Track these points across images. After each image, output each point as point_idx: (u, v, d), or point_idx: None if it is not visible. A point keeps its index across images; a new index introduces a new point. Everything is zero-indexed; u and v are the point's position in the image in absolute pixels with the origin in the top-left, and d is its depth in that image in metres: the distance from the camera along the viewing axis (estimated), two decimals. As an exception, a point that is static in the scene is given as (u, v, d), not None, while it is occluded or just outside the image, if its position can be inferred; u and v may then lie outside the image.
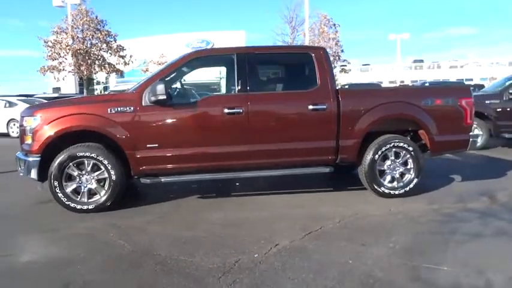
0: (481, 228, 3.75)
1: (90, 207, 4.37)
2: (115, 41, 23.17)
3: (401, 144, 4.78)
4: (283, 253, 3.21)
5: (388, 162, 4.84)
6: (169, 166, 4.52)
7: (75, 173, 4.36)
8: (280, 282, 2.71)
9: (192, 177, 4.65)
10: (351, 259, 3.05)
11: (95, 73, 22.94)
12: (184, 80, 5.08)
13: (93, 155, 4.32)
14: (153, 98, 4.24)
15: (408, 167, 4.85)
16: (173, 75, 4.64)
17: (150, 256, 3.23)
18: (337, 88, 4.75)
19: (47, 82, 23.19)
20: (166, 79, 4.58)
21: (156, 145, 4.42)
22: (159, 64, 27.99)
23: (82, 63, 21.58)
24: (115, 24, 61.37)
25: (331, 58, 25.97)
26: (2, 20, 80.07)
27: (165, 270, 2.98)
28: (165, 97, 4.17)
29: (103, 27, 22.60)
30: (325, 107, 4.60)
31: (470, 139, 5.00)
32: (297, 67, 4.92)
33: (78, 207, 4.36)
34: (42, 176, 4.38)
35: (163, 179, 4.52)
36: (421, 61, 62.86)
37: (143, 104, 4.35)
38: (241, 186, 5.54)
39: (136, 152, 4.39)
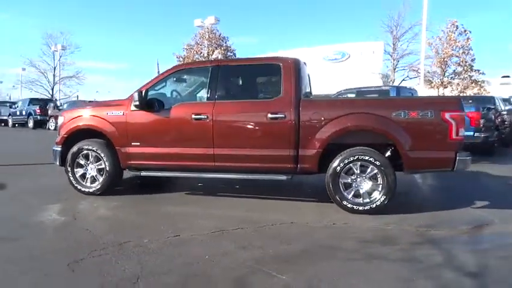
0: (392, 253, 3.38)
1: (91, 190, 5.42)
2: (234, 55, 25.61)
3: (366, 157, 4.49)
4: (167, 243, 3.56)
5: (353, 176, 4.60)
6: (149, 162, 5.26)
7: (83, 162, 5.49)
8: (124, 260, 3.11)
9: (165, 174, 5.31)
10: (209, 257, 3.21)
11: None
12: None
13: (94, 148, 5.38)
14: (133, 104, 5.07)
15: (378, 182, 4.51)
16: (160, 85, 5.38)
17: (77, 226, 4.04)
18: (301, 98, 4.76)
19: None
20: (156, 88, 5.38)
21: (138, 143, 5.23)
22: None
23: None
24: (256, 39, 66.18)
25: (460, 68, 23.24)
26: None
27: (73, 236, 3.72)
28: (137, 103, 4.96)
29: (225, 43, 25.30)
30: (283, 116, 4.69)
31: (458, 157, 4.34)
32: (265, 77, 5.10)
33: (83, 189, 5.46)
34: (64, 163, 5.63)
35: (142, 173, 5.31)
36: None
37: (131, 109, 5.22)
38: (237, 188, 5.90)
39: (123, 148, 5.27)
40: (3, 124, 27.34)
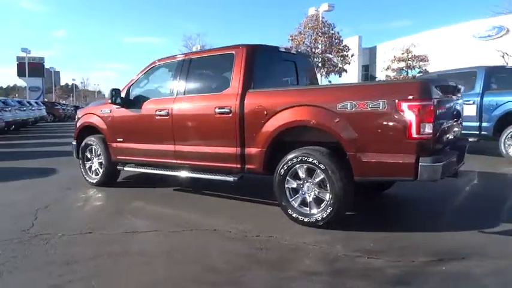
0: (259, 280, 2.73)
1: (94, 182, 5.90)
2: (340, 42, 24.07)
3: (310, 159, 3.72)
4: (70, 239, 3.60)
5: (299, 181, 3.87)
6: (131, 158, 5.43)
7: (89, 156, 6.01)
8: (7, 252, 3.26)
9: (141, 170, 5.39)
10: (70, 258, 3.14)
11: (321, 74, 24.61)
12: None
13: (94, 143, 5.84)
14: (109, 101, 5.32)
15: (327, 190, 3.70)
16: (143, 81, 5.46)
17: (34, 214, 4.36)
18: (248, 90, 4.20)
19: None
20: (140, 85, 5.49)
21: (122, 139, 5.44)
22: (402, 61, 26.64)
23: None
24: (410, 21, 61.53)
25: None
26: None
27: (12, 224, 4.07)
28: (110, 101, 5.17)
29: (332, 29, 23.95)
30: (228, 110, 4.24)
31: (421, 163, 3.21)
32: (221, 69, 4.61)
33: (89, 180, 5.98)
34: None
35: (125, 168, 5.52)
36: None
37: (115, 107, 5.46)
38: (233, 189, 5.60)
39: (112, 143, 5.57)
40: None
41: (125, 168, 5.54)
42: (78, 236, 3.72)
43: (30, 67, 56.61)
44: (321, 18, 24.43)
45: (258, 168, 4.15)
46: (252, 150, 4.15)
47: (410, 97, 3.19)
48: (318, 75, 24.63)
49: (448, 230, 3.74)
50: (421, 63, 27.05)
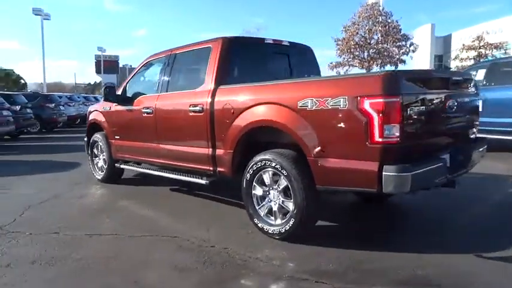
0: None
1: (99, 178, 6.01)
2: (399, 31, 22.24)
3: (273, 164, 3.32)
4: (32, 238, 3.63)
5: (266, 187, 3.49)
6: (126, 155, 5.39)
7: (97, 152, 6.11)
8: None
9: (133, 168, 5.32)
10: (10, 259, 3.14)
11: (376, 65, 22.99)
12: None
13: (99, 140, 5.91)
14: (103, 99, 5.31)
15: (290, 199, 3.28)
16: (139, 78, 5.38)
17: (18, 211, 4.47)
18: (220, 86, 3.87)
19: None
20: (137, 81, 5.43)
21: (118, 137, 5.43)
22: (472, 49, 23.99)
23: (356, 56, 22.38)
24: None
25: None
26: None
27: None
28: (102, 98, 5.14)
29: (389, 18, 22.24)
30: (200, 108, 3.96)
31: (384, 173, 2.66)
32: (200, 64, 4.27)
33: (96, 176, 6.09)
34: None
35: (122, 166, 5.50)
36: None
37: (114, 104, 5.45)
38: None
39: (112, 141, 5.59)
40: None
41: (122, 166, 5.53)
42: (41, 236, 3.70)
43: (106, 65, 61.15)
44: (380, 7, 22.82)
45: (227, 171, 3.84)
46: (221, 152, 3.84)
47: (373, 93, 2.66)
48: (374, 66, 23.22)
49: (437, 251, 3.10)
50: (496, 51, 24.16)
